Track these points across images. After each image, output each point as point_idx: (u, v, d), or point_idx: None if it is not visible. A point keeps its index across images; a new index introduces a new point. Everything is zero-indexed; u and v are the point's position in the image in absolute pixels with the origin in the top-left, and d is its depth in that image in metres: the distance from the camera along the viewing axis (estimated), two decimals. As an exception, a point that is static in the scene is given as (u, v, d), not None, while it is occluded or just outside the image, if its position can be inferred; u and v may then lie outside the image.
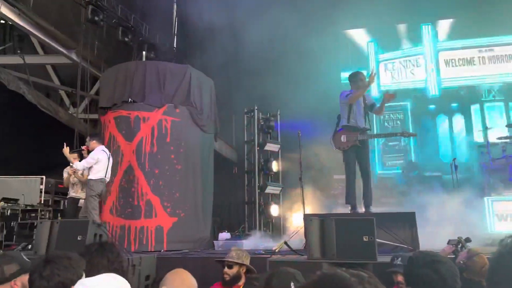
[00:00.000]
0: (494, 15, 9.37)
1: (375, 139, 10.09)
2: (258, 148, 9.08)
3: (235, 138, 9.77)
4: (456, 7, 9.02)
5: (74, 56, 9.41)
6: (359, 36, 10.78)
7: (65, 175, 6.94)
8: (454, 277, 1.99)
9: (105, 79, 7.47)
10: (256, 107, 9.22)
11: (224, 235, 7.08)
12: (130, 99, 6.72)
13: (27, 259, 2.32)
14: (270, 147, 9.08)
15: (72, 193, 6.86)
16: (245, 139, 9.36)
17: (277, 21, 8.74)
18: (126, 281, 1.59)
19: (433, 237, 5.57)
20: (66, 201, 7.62)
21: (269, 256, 4.36)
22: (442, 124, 9.94)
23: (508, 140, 7.92)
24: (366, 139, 5.72)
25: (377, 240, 4.28)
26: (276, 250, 4.65)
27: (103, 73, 8.37)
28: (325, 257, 4.13)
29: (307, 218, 4.51)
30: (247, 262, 3.52)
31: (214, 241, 6.83)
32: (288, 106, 8.88)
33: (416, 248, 4.74)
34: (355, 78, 5.85)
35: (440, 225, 6.88)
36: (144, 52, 9.19)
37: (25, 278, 1.96)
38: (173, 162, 6.66)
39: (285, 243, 4.64)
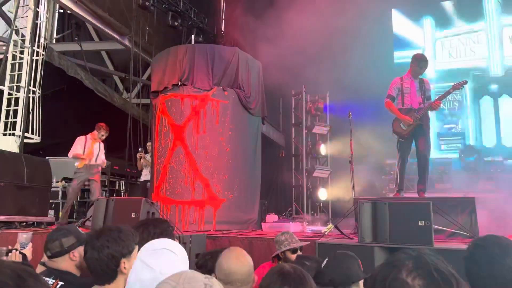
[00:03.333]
0: None
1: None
2: (306, 131, 8.94)
3: (282, 121, 9.67)
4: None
5: (127, 42, 9.71)
6: (414, 12, 10.20)
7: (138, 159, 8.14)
8: None
9: (156, 63, 7.63)
10: (304, 89, 9.05)
11: (272, 217, 7.09)
12: (180, 82, 6.83)
13: (82, 232, 2.41)
14: (319, 129, 8.91)
15: (143, 177, 8.07)
16: (293, 122, 9.25)
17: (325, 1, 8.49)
18: (182, 248, 1.61)
19: (494, 225, 5.24)
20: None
21: (317, 238, 4.29)
22: (506, 106, 9.24)
23: None
24: (424, 114, 5.38)
25: (433, 226, 4.08)
26: (326, 233, 4.57)
27: (154, 57, 8.58)
28: (377, 241, 4.00)
29: (358, 201, 4.39)
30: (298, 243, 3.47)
31: (262, 223, 6.86)
32: (337, 88, 8.65)
33: (476, 235, 4.47)
34: (416, 62, 5.46)
35: (501, 213, 6.47)
36: (193, 36, 9.29)
37: (82, 249, 2.05)
38: (221, 144, 6.72)
39: (335, 226, 4.55)
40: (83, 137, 6.86)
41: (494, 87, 9.40)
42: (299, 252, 3.38)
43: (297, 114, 9.21)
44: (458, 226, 4.60)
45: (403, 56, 10.18)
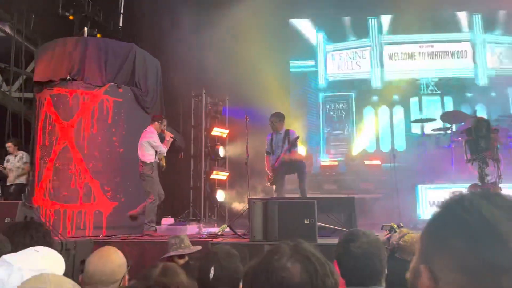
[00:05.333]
0: (434, 13, 9.88)
1: (321, 128, 10.40)
2: (205, 133, 8.96)
3: (182, 123, 9.54)
4: (399, 3, 9.37)
5: (7, 29, 8.70)
6: (307, 26, 10.92)
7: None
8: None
9: (41, 53, 6.98)
10: (204, 91, 9.07)
11: (168, 220, 6.94)
12: (68, 77, 6.33)
13: None
14: (218, 132, 8.99)
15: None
16: (192, 124, 9.19)
17: (226, 5, 8.64)
18: (53, 250, 1.48)
19: (371, 222, 5.83)
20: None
21: (211, 239, 4.33)
22: (384, 115, 10.38)
23: (442, 132, 8.44)
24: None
25: (318, 223, 4.40)
26: (219, 233, 4.63)
27: (40, 47, 7.82)
28: (267, 240, 4.18)
29: (250, 201, 4.53)
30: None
31: (157, 226, 6.67)
32: (236, 92, 8.83)
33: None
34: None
35: (377, 211, 7.24)
36: (86, 29, 8.67)
37: None
38: (114, 144, 6.39)
39: (228, 226, 4.63)
40: None
41: (375, 98, 10.48)
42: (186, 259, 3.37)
43: (197, 116, 9.18)
44: (339, 224, 5.03)
45: (298, 65, 10.84)
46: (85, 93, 6.32)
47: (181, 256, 3.35)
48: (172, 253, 3.33)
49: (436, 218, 0.76)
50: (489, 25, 10.38)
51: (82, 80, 6.33)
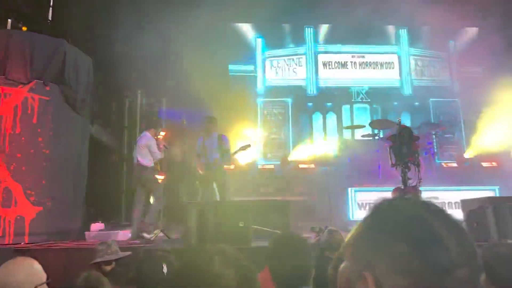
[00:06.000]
0: (365, 26, 10.47)
1: (258, 132, 10.54)
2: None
3: (115, 124, 9.17)
4: (334, 14, 9.81)
5: None
6: (247, 31, 11.05)
7: None
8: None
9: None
10: (139, 92, 8.80)
11: (97, 226, 6.62)
12: (-13, 72, 5.82)
13: None
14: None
15: None
16: (126, 125, 8.87)
17: (165, 5, 8.49)
18: None
19: (305, 224, 6.01)
20: None
21: (144, 245, 4.20)
22: (318, 121, 10.78)
23: (370, 138, 8.95)
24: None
25: (253, 226, 4.45)
26: (152, 239, 4.51)
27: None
28: (202, 243, 4.14)
29: (186, 205, 4.48)
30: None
31: (86, 232, 6.34)
32: (174, 94, 8.68)
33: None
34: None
35: (311, 213, 7.50)
36: (9, 20, 8.03)
37: None
38: (40, 145, 5.97)
39: (162, 231, 4.53)
40: None
41: (310, 104, 10.85)
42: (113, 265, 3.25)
43: (131, 116, 8.88)
44: (274, 227, 5.13)
45: (238, 70, 10.92)
46: (7, 90, 5.84)
47: (108, 263, 3.22)
48: (98, 260, 3.20)
49: (372, 224, 0.77)
50: (414, 39, 11.23)
51: (4, 76, 5.84)
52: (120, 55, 8.30)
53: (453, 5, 8.85)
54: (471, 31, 11.24)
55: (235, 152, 6.53)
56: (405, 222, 0.72)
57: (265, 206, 5.55)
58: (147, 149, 6.17)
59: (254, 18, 10.66)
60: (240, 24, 11.01)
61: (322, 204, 7.78)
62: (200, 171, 6.53)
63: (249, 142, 6.57)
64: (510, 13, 8.66)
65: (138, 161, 6.17)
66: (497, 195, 7.11)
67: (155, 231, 4.71)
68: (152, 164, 6.22)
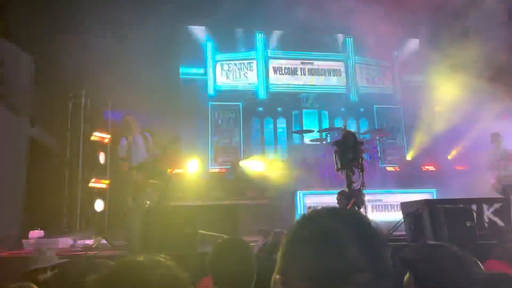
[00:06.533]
0: (315, 33, 10.75)
1: (209, 136, 10.47)
2: (83, 137, 8.29)
3: (58, 126, 8.70)
4: (284, 21, 10.00)
5: None
6: (199, 33, 10.97)
7: None
8: None
9: None
10: (83, 93, 8.42)
11: (36, 233, 6.25)
12: None
13: None
14: (98, 137, 8.42)
15: None
16: (69, 127, 8.44)
17: (116, 4, 8.26)
18: None
19: (255, 227, 6.04)
20: None
21: (84, 252, 4.02)
22: (268, 125, 10.91)
23: (318, 142, 9.20)
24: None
25: (200, 231, 4.41)
26: (93, 246, 4.33)
27: None
28: (147, 250, 4.03)
29: (131, 210, 4.35)
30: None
31: (23, 240, 5.96)
32: (121, 95, 8.40)
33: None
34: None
35: (262, 217, 7.55)
36: None
37: None
38: (-30, 148, 5.56)
39: (104, 237, 4.36)
40: None
41: (260, 108, 10.96)
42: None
43: (74, 118, 8.46)
44: (222, 231, 5.10)
45: (188, 72, 10.79)
46: None
47: (42, 271, 3.05)
48: (32, 268, 3.02)
49: (290, 231, 0.82)
50: (360, 48, 11.68)
51: None
52: (65, 55, 7.93)
53: (396, 18, 9.34)
54: (413, 42, 11.90)
55: (164, 150, 6.30)
56: (314, 233, 0.76)
57: (214, 210, 5.51)
58: None
59: (207, 21, 10.61)
60: (192, 27, 10.91)
61: (272, 208, 7.87)
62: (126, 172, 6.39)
63: (176, 136, 6.46)
64: (446, 27, 9.26)
65: None
66: (435, 197, 7.53)
67: (97, 238, 4.52)
68: None
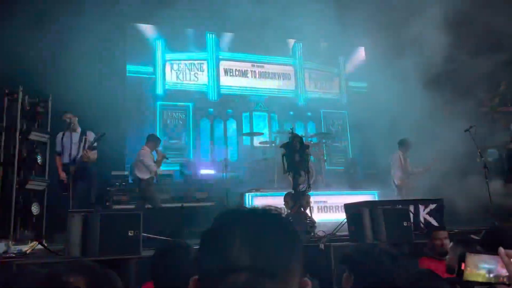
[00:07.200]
0: (266, 37, 10.87)
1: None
2: (20, 136, 7.78)
3: (-9, 123, 8.11)
4: (237, 23, 10.03)
5: None
6: (148, 32, 10.71)
7: None
8: None
9: None
10: (21, 89, 7.91)
11: (-37, 240, 5.77)
12: None
13: None
14: (37, 136, 7.93)
15: None
16: (4, 125, 7.89)
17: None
18: None
19: (203, 230, 5.97)
20: None
21: (16, 259, 3.77)
22: (218, 126, 10.86)
23: (268, 145, 9.30)
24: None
25: (144, 234, 4.29)
26: (28, 252, 4.07)
27: None
28: (87, 255, 3.87)
29: (69, 214, 4.14)
30: None
31: None
32: (63, 92, 8.00)
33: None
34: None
35: (209, 219, 7.50)
36: None
37: None
38: None
39: (40, 243, 4.12)
40: None
41: (211, 110, 10.89)
42: None
43: (10, 116, 7.92)
44: (168, 234, 5.01)
45: (136, 71, 10.49)
46: None
47: None
48: None
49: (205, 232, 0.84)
50: (309, 53, 11.97)
51: None
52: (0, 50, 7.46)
53: (344, 26, 9.69)
54: (359, 50, 12.40)
55: (92, 145, 6.20)
56: (207, 233, 0.81)
57: (160, 213, 5.40)
58: (141, 164, 6.79)
59: (156, 20, 10.38)
60: (140, 24, 10.63)
61: (220, 210, 7.82)
62: (60, 173, 6.52)
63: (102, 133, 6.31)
64: (391, 36, 9.72)
65: (136, 175, 6.85)
66: (376, 198, 7.87)
67: (32, 243, 4.25)
68: (148, 176, 6.78)
